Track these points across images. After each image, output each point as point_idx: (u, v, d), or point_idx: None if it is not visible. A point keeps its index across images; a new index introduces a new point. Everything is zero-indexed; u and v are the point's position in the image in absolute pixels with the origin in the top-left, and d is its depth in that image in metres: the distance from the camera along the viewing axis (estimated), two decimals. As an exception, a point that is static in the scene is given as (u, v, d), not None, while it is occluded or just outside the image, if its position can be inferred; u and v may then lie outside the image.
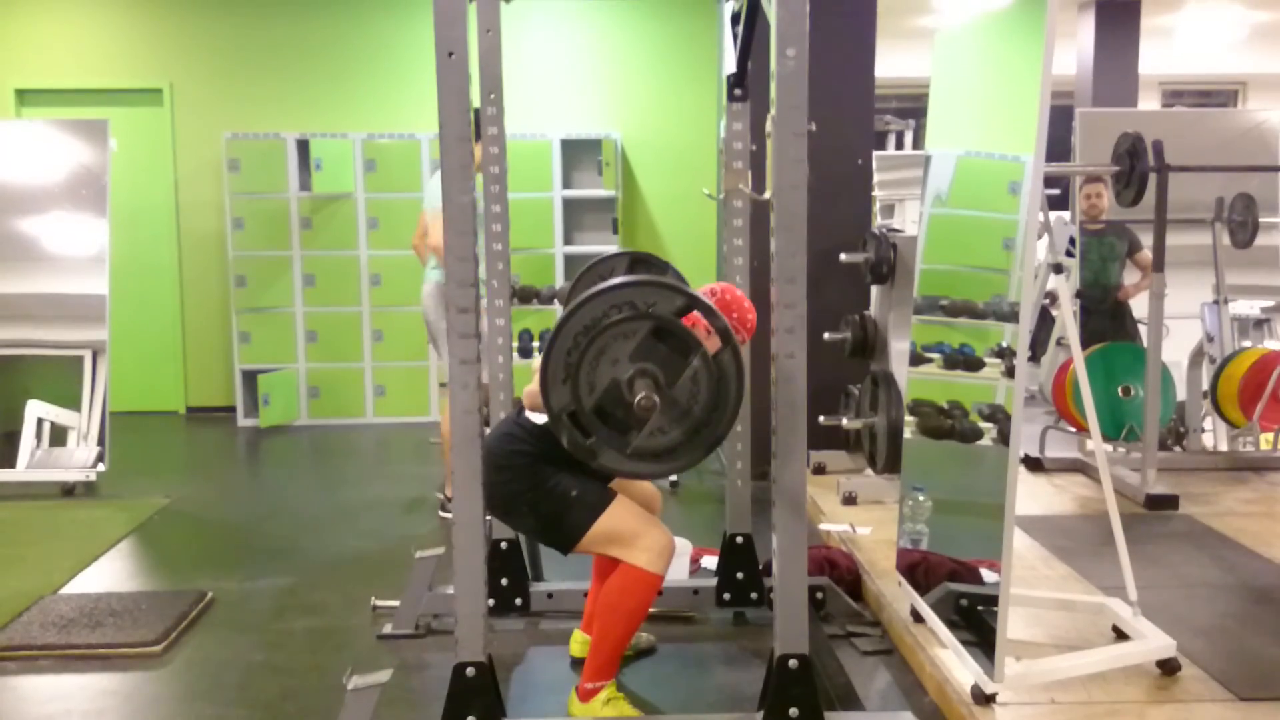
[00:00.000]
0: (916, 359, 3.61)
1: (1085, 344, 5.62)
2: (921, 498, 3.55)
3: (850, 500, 4.85)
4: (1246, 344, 5.93)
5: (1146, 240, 6.02)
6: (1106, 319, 6.02)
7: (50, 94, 7.74)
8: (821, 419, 4.91)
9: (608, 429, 2.42)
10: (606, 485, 3.02)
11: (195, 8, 7.72)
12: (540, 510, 2.96)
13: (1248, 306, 6.11)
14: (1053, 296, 5.84)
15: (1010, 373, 2.85)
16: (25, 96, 7.76)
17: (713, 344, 2.44)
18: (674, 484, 5.63)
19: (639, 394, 2.35)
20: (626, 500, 2.98)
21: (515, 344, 4.60)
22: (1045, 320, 6.45)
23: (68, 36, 7.71)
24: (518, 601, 3.68)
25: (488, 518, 3.52)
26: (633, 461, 2.46)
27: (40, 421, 5.80)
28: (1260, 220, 5.56)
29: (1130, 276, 6.03)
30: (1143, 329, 5.24)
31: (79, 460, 5.73)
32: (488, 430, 3.73)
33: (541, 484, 2.94)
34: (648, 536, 2.90)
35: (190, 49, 7.75)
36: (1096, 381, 5.25)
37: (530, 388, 2.88)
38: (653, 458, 2.46)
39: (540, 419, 2.94)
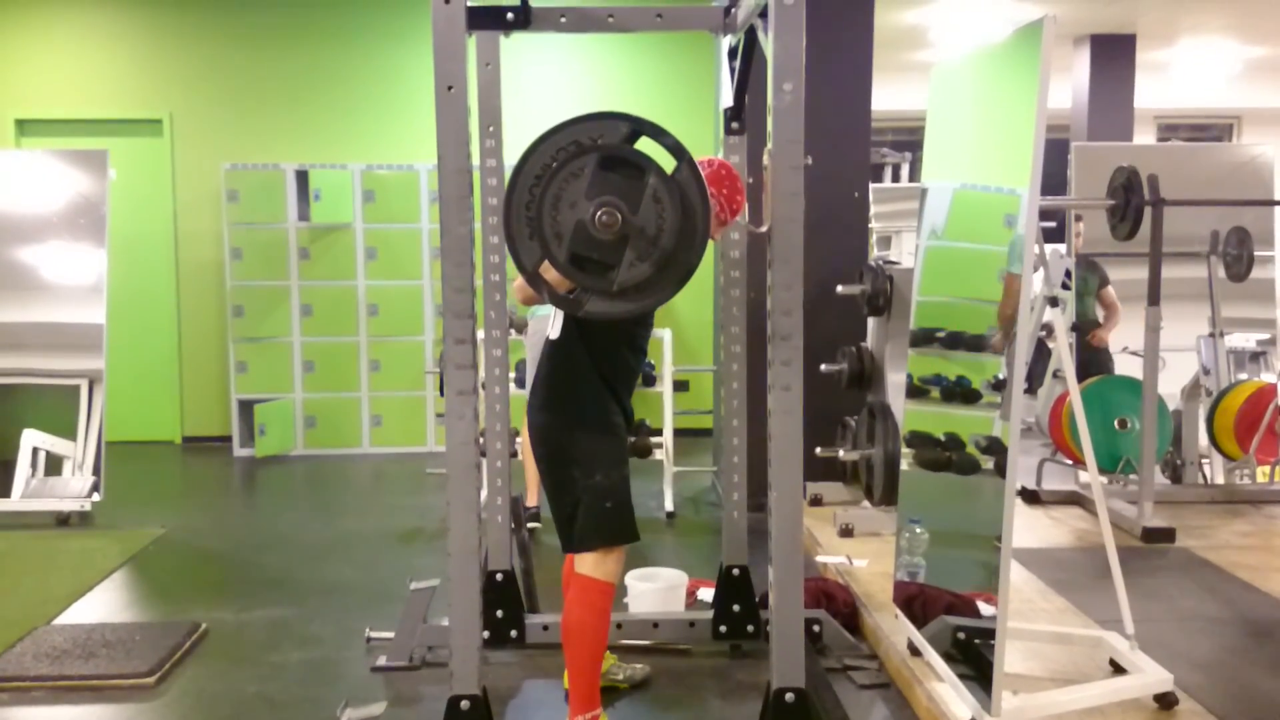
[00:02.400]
0: (913, 391, 3.61)
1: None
2: (918, 530, 3.54)
3: (847, 532, 4.84)
4: (1243, 377, 5.95)
5: (1118, 274, 6.09)
6: (1081, 353, 6.06)
7: (50, 124, 7.78)
8: (818, 451, 4.91)
9: (586, 274, 2.38)
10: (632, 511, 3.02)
11: (195, 39, 7.77)
12: (574, 495, 2.91)
13: (1243, 339, 6.13)
14: (1049, 329, 5.86)
15: (1006, 405, 2.86)
16: (25, 126, 7.80)
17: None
18: (670, 515, 5.62)
19: (599, 214, 2.30)
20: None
21: (512, 374, 4.61)
22: (1042, 352, 6.47)
23: (68, 67, 7.75)
24: (513, 633, 3.66)
25: (484, 550, 3.52)
26: (619, 301, 2.42)
27: (36, 451, 5.79)
28: (1255, 254, 5.59)
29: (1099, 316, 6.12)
30: (1136, 361, 5.25)
31: (74, 490, 5.71)
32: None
33: (589, 467, 2.89)
34: (617, 553, 2.93)
35: (190, 80, 7.79)
36: (1093, 414, 5.25)
37: (518, 281, 2.81)
38: (636, 291, 2.41)
39: (553, 332, 2.93)
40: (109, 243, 5.99)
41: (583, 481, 2.90)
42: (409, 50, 7.78)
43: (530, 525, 5.11)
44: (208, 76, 7.80)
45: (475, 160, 3.00)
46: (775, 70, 2.45)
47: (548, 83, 7.82)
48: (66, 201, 6.02)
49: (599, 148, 2.37)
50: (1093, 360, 6.05)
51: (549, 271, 2.45)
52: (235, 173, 7.49)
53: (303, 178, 7.48)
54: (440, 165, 2.43)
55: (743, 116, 3.52)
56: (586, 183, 2.34)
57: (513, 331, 5.10)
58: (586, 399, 2.93)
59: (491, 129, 3.56)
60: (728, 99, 3.54)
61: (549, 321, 4.88)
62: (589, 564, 2.90)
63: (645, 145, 2.43)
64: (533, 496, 5.21)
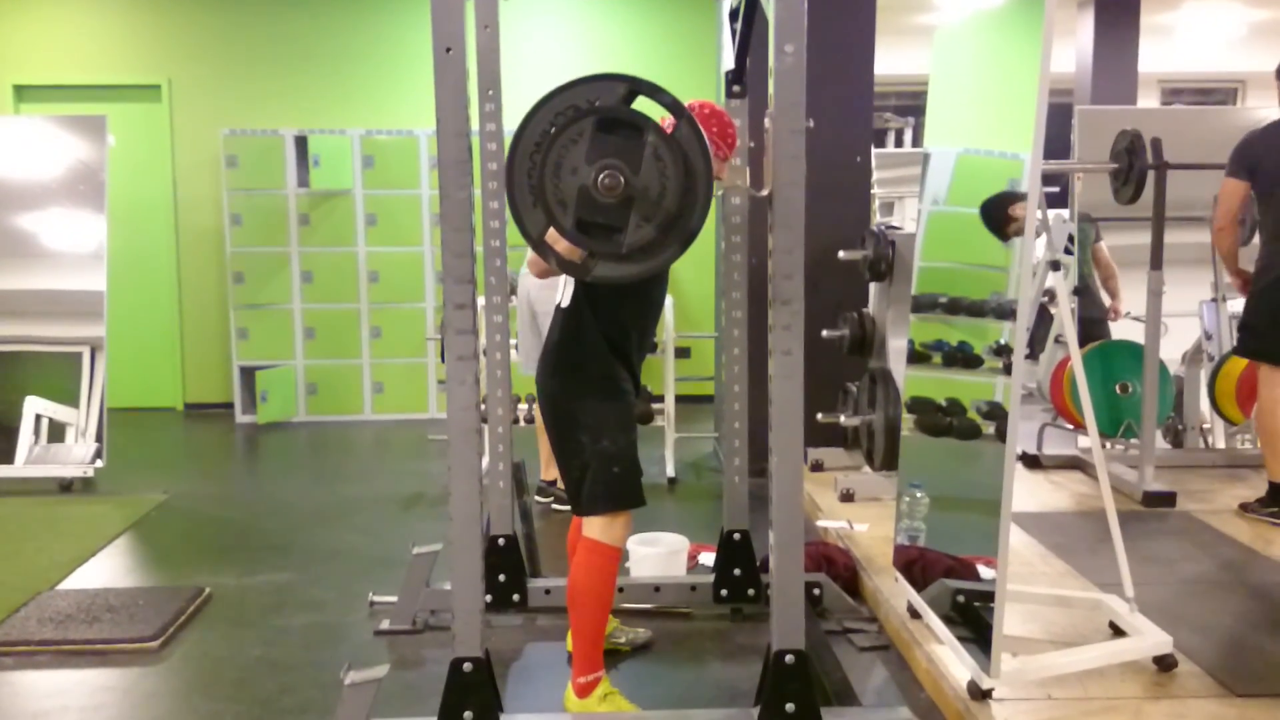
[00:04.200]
0: (914, 356, 3.61)
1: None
2: (919, 495, 3.55)
3: (848, 497, 4.85)
4: (1245, 341, 5.92)
5: (1121, 239, 6.06)
6: (1086, 308, 6.02)
7: (48, 90, 7.74)
8: (819, 416, 4.91)
9: (593, 239, 2.37)
10: (639, 473, 3.01)
11: (193, 4, 7.72)
12: (583, 459, 2.92)
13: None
14: (1051, 294, 5.84)
15: (1008, 370, 2.86)
16: (24, 92, 7.76)
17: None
18: (671, 480, 5.63)
19: (601, 176, 2.29)
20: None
21: (514, 341, 4.61)
22: (1043, 318, 6.45)
23: (66, 33, 7.70)
24: (515, 597, 3.68)
25: (486, 515, 3.53)
26: (627, 264, 2.42)
27: (38, 418, 5.80)
28: (1258, 218, 5.56)
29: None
30: (1138, 326, 5.24)
31: (77, 456, 5.73)
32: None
33: (597, 431, 2.89)
34: (623, 516, 2.93)
35: (188, 45, 7.75)
36: (1094, 379, 5.26)
37: (531, 255, 2.80)
38: (656, 246, 2.40)
39: (564, 300, 2.94)
40: (109, 209, 5.98)
41: (591, 446, 2.90)
42: (407, 14, 7.73)
43: (544, 499, 5.11)
44: (206, 41, 7.75)
45: (474, 124, 2.97)
46: (777, 32, 2.43)
47: (547, 46, 7.77)
48: (66, 168, 6.00)
49: (596, 110, 2.35)
50: (1092, 324, 6.02)
51: (556, 240, 2.45)
52: (234, 138, 7.46)
53: (302, 143, 7.45)
54: (439, 129, 2.42)
55: (744, 79, 3.50)
56: (586, 146, 2.32)
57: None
58: (594, 366, 2.93)
59: (491, 92, 3.54)
60: (729, 61, 3.51)
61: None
62: (596, 528, 2.91)
63: (645, 106, 2.41)
64: (548, 470, 5.19)
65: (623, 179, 2.31)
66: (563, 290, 2.99)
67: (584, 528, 2.96)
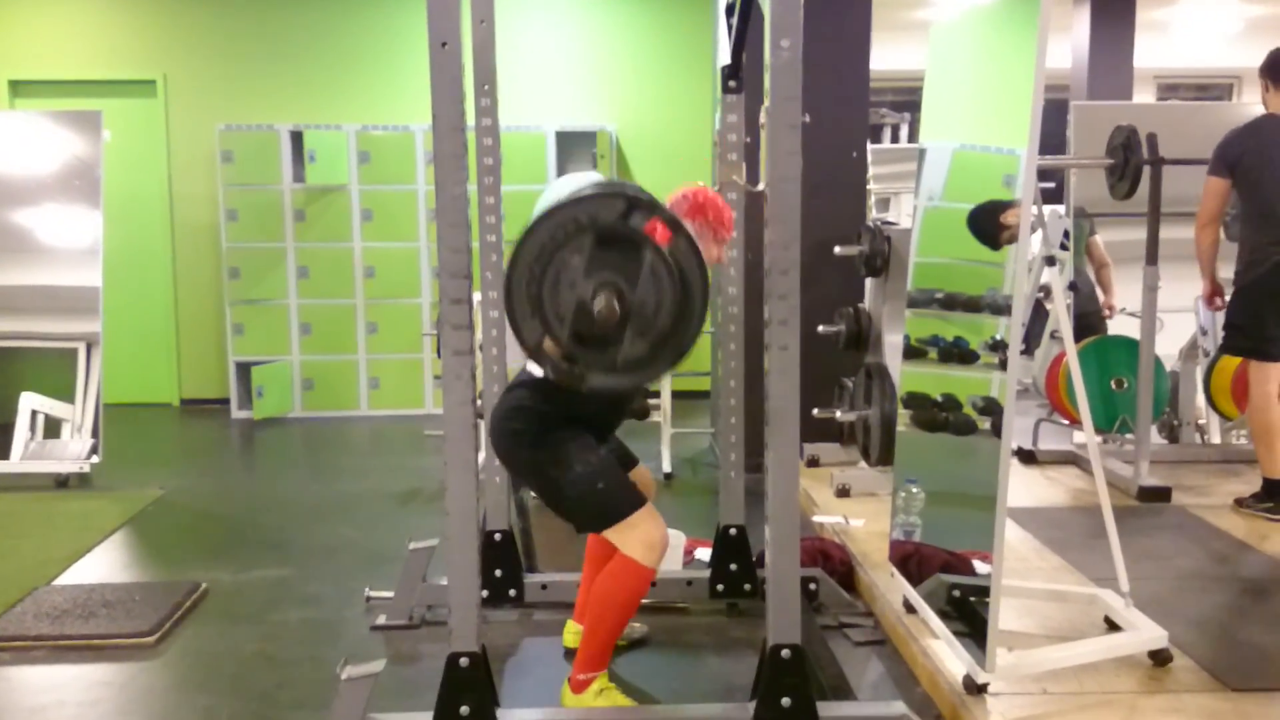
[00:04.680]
0: (910, 352, 3.61)
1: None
2: (915, 490, 3.55)
3: (843, 492, 4.86)
4: (1240, 337, 5.93)
5: (1116, 234, 6.06)
6: (1082, 303, 6.02)
7: (44, 85, 7.73)
8: (815, 411, 4.92)
9: (588, 350, 2.40)
10: (626, 476, 3.03)
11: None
12: (565, 494, 2.92)
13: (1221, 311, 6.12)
14: (1046, 289, 5.85)
15: (1004, 365, 2.86)
16: (19, 88, 7.74)
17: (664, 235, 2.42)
18: (668, 476, 5.64)
19: (598, 301, 2.33)
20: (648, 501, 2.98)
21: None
22: (1039, 313, 6.46)
23: (61, 28, 7.69)
24: (511, 592, 3.69)
25: (482, 510, 3.53)
26: (621, 375, 2.45)
27: (34, 413, 5.79)
28: (1222, 220, 5.56)
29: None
30: (1133, 321, 5.24)
31: (73, 452, 5.72)
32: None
33: (565, 464, 2.90)
34: (643, 528, 2.90)
35: (184, 40, 7.73)
36: (1089, 374, 5.26)
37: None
38: (649, 359, 2.44)
39: (539, 370, 2.95)
40: (104, 204, 5.96)
41: (565, 478, 2.90)
42: (403, 9, 7.72)
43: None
44: (202, 37, 7.74)
45: (470, 120, 2.97)
46: (773, 27, 2.43)
47: (543, 41, 7.77)
48: (61, 163, 5.98)
49: (595, 226, 2.38)
50: (1087, 319, 6.01)
51: (552, 347, 2.47)
52: (230, 134, 7.45)
53: (297, 139, 7.44)
54: (435, 124, 2.42)
55: (740, 74, 3.50)
56: (585, 262, 2.37)
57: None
58: (552, 433, 2.94)
59: (486, 88, 3.53)
60: (725, 56, 3.51)
61: None
62: (636, 549, 2.88)
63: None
64: None
65: (618, 304, 2.35)
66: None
67: (621, 547, 2.91)
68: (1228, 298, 4.69)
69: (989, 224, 3.10)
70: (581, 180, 5.51)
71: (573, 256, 2.37)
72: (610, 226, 2.38)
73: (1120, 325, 5.99)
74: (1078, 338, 5.55)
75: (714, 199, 3.02)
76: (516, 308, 2.40)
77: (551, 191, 5.51)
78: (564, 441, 2.93)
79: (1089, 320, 6.00)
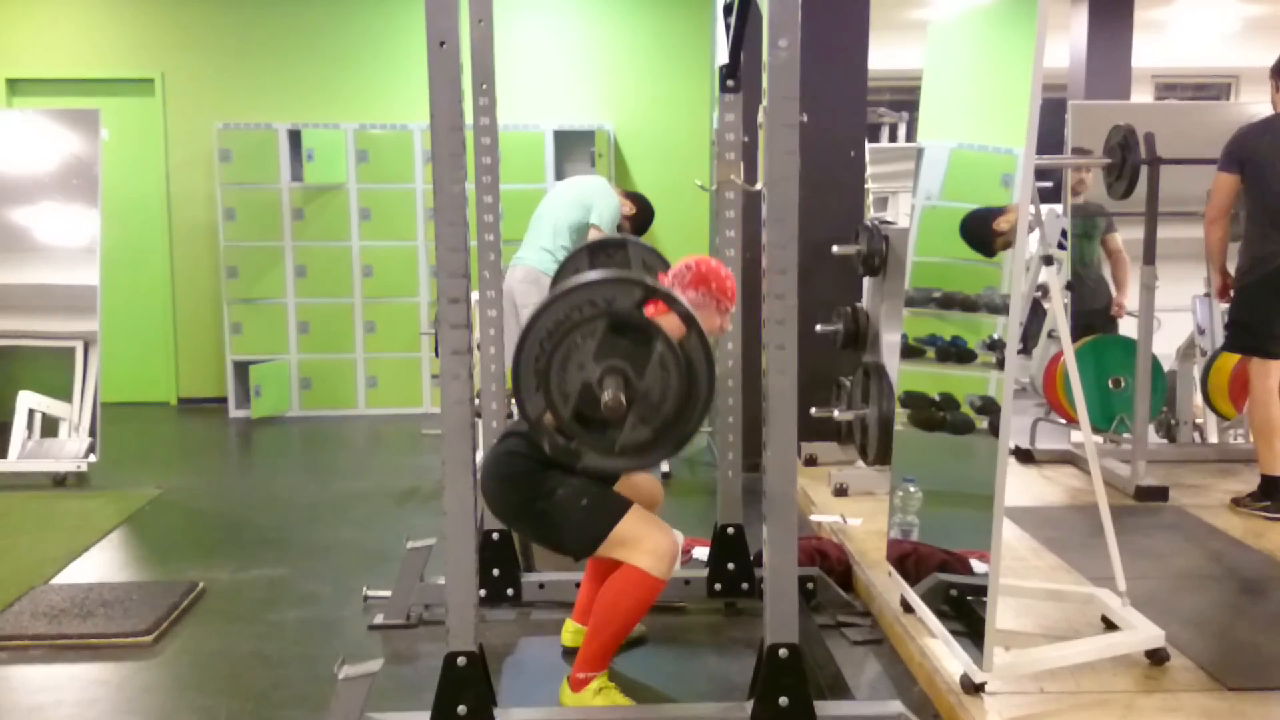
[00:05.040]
0: (908, 351, 3.61)
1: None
2: (912, 489, 3.56)
3: (841, 492, 4.86)
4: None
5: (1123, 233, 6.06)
6: (1086, 300, 5.98)
7: (41, 84, 7.72)
8: (813, 411, 4.92)
9: (588, 431, 2.44)
10: (613, 489, 3.02)
11: (187, -3, 7.71)
12: (552, 519, 2.93)
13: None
14: (1044, 289, 5.84)
15: (1001, 364, 2.86)
16: (16, 86, 7.74)
17: (674, 324, 2.46)
18: (666, 475, 5.64)
19: (606, 394, 2.36)
20: (635, 506, 2.97)
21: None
22: (1037, 312, 6.46)
23: (59, 26, 7.68)
24: (509, 591, 3.69)
25: (480, 509, 3.53)
26: (618, 458, 2.49)
27: (31, 412, 5.79)
28: (1230, 216, 5.57)
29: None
30: (1131, 320, 5.25)
31: (70, 451, 5.72)
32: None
33: (549, 493, 2.91)
34: (651, 539, 2.89)
35: (182, 39, 7.73)
36: (1087, 373, 5.27)
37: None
38: (647, 446, 2.48)
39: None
40: (102, 203, 5.96)
41: (550, 506, 2.91)
42: (402, 8, 7.72)
43: None
44: (199, 35, 7.73)
45: (469, 119, 2.97)
46: (770, 26, 2.43)
47: (541, 40, 7.77)
48: (59, 162, 5.98)
49: (610, 312, 2.42)
50: (1094, 316, 5.97)
51: (550, 420, 2.49)
52: (228, 132, 7.44)
53: (295, 138, 7.44)
54: (433, 123, 2.42)
55: (738, 74, 3.50)
56: (595, 345, 2.42)
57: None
58: (541, 475, 2.95)
59: (485, 86, 3.53)
60: (723, 56, 3.51)
61: (515, 274, 4.88)
62: (645, 559, 2.87)
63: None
64: None
65: (624, 397, 2.38)
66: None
67: (628, 560, 2.89)
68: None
69: (982, 231, 3.10)
70: (586, 184, 5.50)
71: (585, 339, 2.43)
72: (624, 314, 2.43)
73: (1120, 325, 5.99)
74: (1085, 334, 5.55)
75: (716, 269, 3.04)
76: (523, 380, 2.44)
77: (556, 194, 5.50)
78: (549, 479, 2.94)
79: (1095, 318, 5.98)
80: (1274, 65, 4.60)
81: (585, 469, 2.54)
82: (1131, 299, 5.91)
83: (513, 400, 4.98)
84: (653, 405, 2.45)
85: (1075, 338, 5.52)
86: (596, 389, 2.41)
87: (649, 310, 2.47)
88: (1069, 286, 5.87)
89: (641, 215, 5.51)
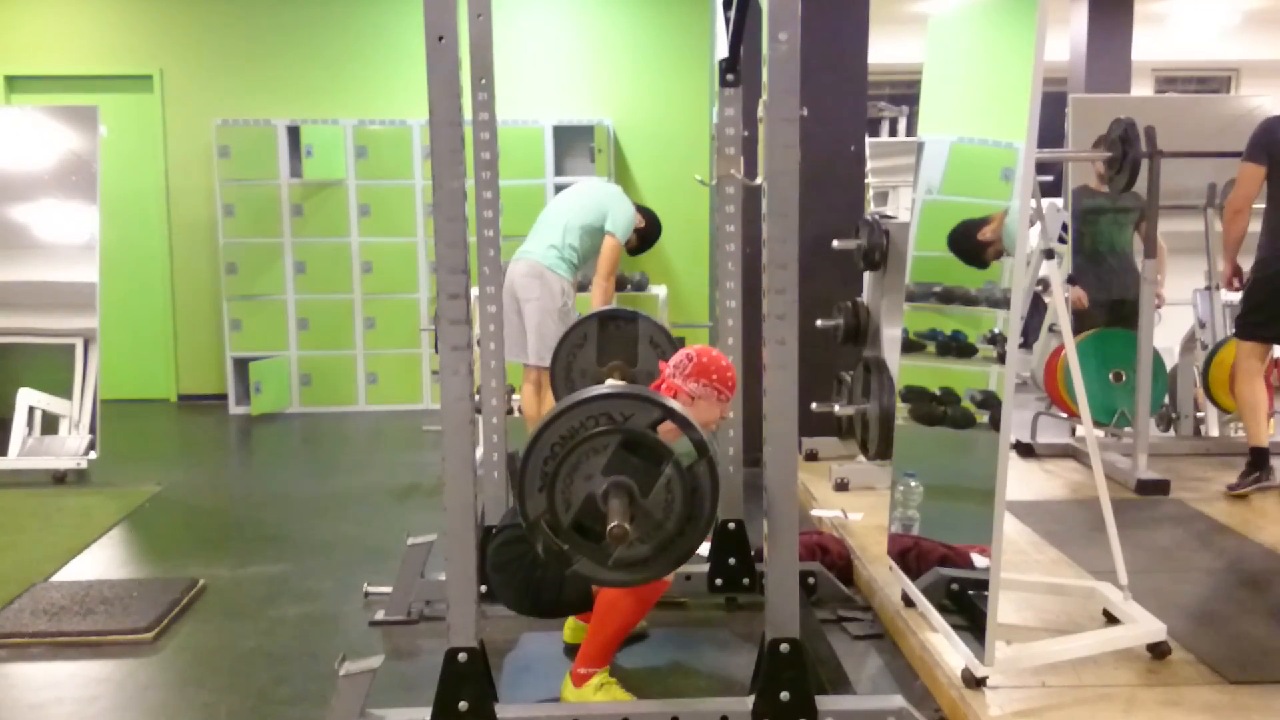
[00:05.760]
0: (909, 345, 3.61)
1: (1096, 312, 5.62)
2: (913, 483, 3.55)
3: (842, 486, 4.86)
4: (1238, 330, 5.92)
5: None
6: (1112, 287, 5.90)
7: (40, 80, 7.72)
8: (813, 405, 4.91)
9: (585, 540, 2.46)
10: None
11: (185, -7, 7.70)
12: (555, 581, 2.94)
13: (1239, 293, 6.11)
14: (1045, 283, 5.83)
15: (1002, 359, 2.86)
16: (15, 83, 7.73)
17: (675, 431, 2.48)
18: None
19: (612, 520, 2.37)
20: None
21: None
22: (1037, 307, 6.45)
23: (58, 23, 7.67)
24: (510, 588, 3.68)
25: (480, 505, 3.53)
26: (611, 571, 2.50)
27: (31, 409, 5.79)
28: (1252, 206, 5.56)
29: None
30: (1168, 312, 5.26)
31: (70, 448, 5.72)
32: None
33: (544, 561, 2.92)
34: None
35: (180, 35, 7.72)
36: (1088, 367, 5.26)
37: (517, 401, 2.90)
38: (628, 567, 2.50)
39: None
40: (101, 200, 5.95)
41: (544, 573, 2.93)
42: (400, 3, 7.71)
43: None
44: (198, 31, 7.72)
45: (467, 114, 2.96)
46: (770, 20, 2.42)
47: (541, 35, 7.76)
48: (58, 159, 5.97)
49: (625, 430, 2.43)
50: (1124, 306, 5.89)
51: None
52: (227, 129, 7.44)
53: (294, 134, 7.43)
54: (432, 118, 2.41)
55: (738, 68, 3.49)
56: (605, 460, 2.43)
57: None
58: (536, 559, 2.92)
59: (484, 82, 3.52)
60: (723, 50, 3.50)
61: (516, 269, 4.88)
62: None
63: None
64: None
65: (627, 524, 2.38)
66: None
67: None
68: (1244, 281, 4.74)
69: (968, 244, 3.11)
70: (603, 189, 5.46)
71: (596, 451, 2.43)
72: (639, 434, 2.44)
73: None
74: (1121, 323, 5.53)
75: (717, 359, 3.03)
76: (528, 479, 2.45)
77: (571, 194, 5.43)
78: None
79: (1128, 307, 5.92)
80: None
81: (576, 573, 2.54)
82: (1168, 289, 5.88)
83: (510, 397, 5.00)
84: (654, 524, 2.46)
85: (1101, 323, 5.51)
86: (600, 503, 2.43)
87: (662, 429, 2.48)
88: (1070, 280, 5.86)
89: (650, 230, 5.50)
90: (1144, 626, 3.02)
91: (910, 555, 3.44)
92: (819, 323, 5.02)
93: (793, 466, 2.57)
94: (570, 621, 3.42)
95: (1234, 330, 4.94)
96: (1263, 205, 4.69)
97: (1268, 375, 5.11)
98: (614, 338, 3.61)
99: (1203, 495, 4.73)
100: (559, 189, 7.41)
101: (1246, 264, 4.91)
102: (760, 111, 2.51)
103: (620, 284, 6.76)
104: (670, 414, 2.48)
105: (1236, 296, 5.93)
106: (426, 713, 2.55)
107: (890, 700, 2.78)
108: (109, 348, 6.79)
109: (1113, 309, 5.70)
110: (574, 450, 2.42)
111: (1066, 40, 8.45)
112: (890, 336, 4.83)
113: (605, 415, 2.45)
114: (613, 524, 2.37)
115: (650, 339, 3.62)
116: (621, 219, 5.25)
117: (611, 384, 3.43)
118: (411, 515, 4.94)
